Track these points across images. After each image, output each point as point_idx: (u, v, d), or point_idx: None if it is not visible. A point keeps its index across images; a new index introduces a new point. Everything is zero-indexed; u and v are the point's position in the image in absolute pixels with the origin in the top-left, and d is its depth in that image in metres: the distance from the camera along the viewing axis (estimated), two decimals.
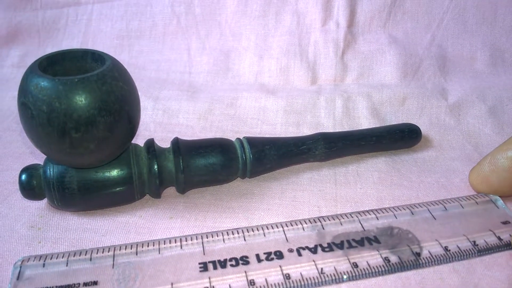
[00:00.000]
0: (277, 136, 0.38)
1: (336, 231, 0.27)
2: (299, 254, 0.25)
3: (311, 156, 0.34)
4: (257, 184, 0.33)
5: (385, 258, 0.25)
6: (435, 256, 0.25)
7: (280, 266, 0.25)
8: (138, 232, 0.28)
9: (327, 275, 0.24)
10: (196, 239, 0.27)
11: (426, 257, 0.25)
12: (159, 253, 0.25)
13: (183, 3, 0.50)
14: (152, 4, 0.50)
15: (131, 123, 0.27)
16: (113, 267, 0.24)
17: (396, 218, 0.28)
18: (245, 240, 0.26)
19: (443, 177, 0.33)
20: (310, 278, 0.24)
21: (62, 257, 0.25)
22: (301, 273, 0.24)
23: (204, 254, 0.25)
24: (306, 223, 0.28)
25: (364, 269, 0.25)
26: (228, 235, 0.27)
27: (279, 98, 0.44)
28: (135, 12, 0.51)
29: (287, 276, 0.24)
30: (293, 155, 0.33)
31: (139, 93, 0.28)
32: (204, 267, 0.25)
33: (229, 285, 0.23)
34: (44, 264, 0.25)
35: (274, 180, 0.33)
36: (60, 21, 0.52)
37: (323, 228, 0.27)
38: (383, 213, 0.29)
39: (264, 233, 0.27)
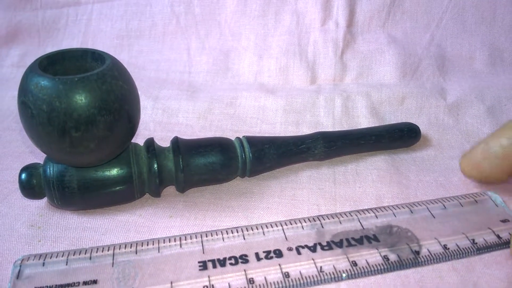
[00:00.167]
0: (277, 135, 0.38)
1: (335, 230, 0.27)
2: (299, 253, 0.25)
3: (311, 155, 0.34)
4: (257, 183, 0.33)
5: (384, 256, 0.25)
6: (434, 254, 0.25)
7: (280, 265, 0.25)
8: (138, 231, 0.28)
9: (326, 274, 0.24)
10: (196, 238, 0.27)
11: (425, 256, 0.25)
12: (159, 252, 0.26)
13: (182, 3, 0.50)
14: (152, 4, 0.50)
15: (131, 122, 0.27)
16: (112, 266, 0.25)
17: (395, 216, 0.28)
18: (244, 238, 0.27)
19: (442, 176, 0.33)
20: (309, 277, 0.24)
21: (62, 256, 0.25)
22: (300, 272, 0.24)
23: (203, 252, 0.25)
24: (305, 222, 0.28)
25: (363, 267, 0.25)
26: (227, 234, 0.27)
27: (278, 97, 0.44)
28: (134, 12, 0.51)
29: (287, 275, 0.24)
30: (293, 154, 0.33)
31: (139, 93, 0.28)
32: (203, 265, 0.25)
33: (229, 284, 0.24)
34: (44, 263, 0.25)
35: (273, 179, 0.33)
36: (60, 21, 0.52)
37: (322, 227, 0.27)
38: (382, 211, 0.29)
39: (263, 232, 0.27)
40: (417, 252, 0.25)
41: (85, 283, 0.23)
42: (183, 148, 0.30)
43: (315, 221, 0.28)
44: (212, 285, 0.23)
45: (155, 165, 0.29)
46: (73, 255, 0.25)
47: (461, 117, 0.41)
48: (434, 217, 0.28)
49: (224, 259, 0.25)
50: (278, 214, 0.30)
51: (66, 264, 0.25)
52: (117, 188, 0.28)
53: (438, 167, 0.35)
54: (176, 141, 0.30)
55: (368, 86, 0.45)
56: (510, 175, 0.30)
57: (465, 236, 0.27)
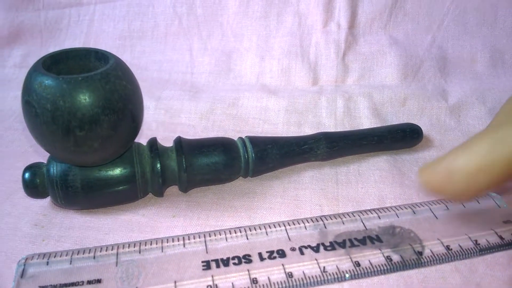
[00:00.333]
0: (279, 135, 0.38)
1: (338, 230, 0.27)
2: (302, 253, 0.25)
3: (313, 156, 0.34)
4: (259, 183, 0.33)
5: (387, 257, 0.25)
6: (437, 255, 0.25)
7: (283, 265, 0.25)
8: (141, 230, 0.28)
9: (329, 274, 0.24)
10: (199, 237, 0.27)
11: (428, 256, 0.25)
12: (162, 251, 0.26)
13: (185, 3, 0.50)
14: (154, 4, 0.50)
15: (135, 121, 0.27)
16: (116, 265, 0.25)
17: (398, 217, 0.28)
18: (247, 238, 0.27)
19: None
20: (312, 277, 0.24)
21: (66, 255, 0.25)
22: (303, 272, 0.24)
23: (207, 252, 0.26)
24: (308, 222, 0.28)
25: (366, 268, 0.25)
26: (230, 233, 0.27)
27: (280, 98, 0.44)
28: (137, 13, 0.51)
29: (290, 275, 0.24)
30: (295, 154, 0.33)
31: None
32: (207, 265, 0.25)
33: (232, 283, 0.24)
34: (47, 262, 0.25)
35: (276, 179, 0.33)
36: (62, 22, 0.52)
37: (325, 227, 0.27)
38: (385, 212, 0.29)
39: (266, 232, 0.27)
40: (420, 253, 0.26)
41: (89, 282, 0.23)
42: (186, 148, 0.30)
43: (318, 221, 0.28)
44: (216, 285, 0.23)
45: (158, 165, 0.29)
46: (77, 254, 0.25)
47: (463, 118, 0.41)
48: (437, 218, 0.28)
49: (228, 259, 0.25)
50: (280, 214, 0.30)
51: (70, 263, 0.25)
52: (120, 187, 0.28)
53: None
54: (179, 141, 0.30)
55: (370, 87, 0.45)
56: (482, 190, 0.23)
57: (468, 237, 0.27)
